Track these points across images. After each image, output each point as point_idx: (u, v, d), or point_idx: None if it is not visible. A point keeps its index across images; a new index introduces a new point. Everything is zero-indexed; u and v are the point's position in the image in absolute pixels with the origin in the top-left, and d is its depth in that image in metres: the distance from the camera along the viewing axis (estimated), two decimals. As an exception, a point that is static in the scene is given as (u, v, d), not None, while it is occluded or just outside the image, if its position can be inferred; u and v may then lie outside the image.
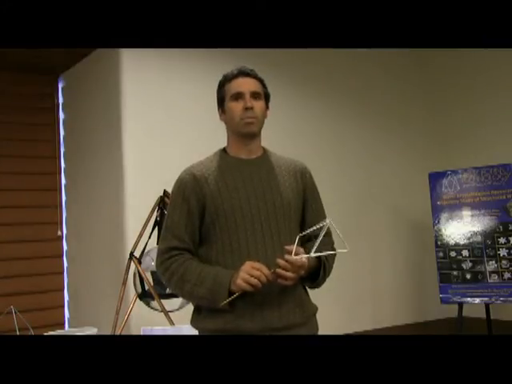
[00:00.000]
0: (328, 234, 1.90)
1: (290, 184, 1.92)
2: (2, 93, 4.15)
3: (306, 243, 1.87)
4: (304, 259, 1.74)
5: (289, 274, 1.73)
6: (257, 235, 1.81)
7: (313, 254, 1.75)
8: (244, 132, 1.87)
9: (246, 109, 1.84)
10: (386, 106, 4.72)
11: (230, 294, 1.74)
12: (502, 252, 3.83)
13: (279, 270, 1.72)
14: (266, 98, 1.94)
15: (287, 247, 1.74)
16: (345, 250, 1.75)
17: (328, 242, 1.91)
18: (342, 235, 1.75)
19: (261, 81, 1.92)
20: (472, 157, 4.45)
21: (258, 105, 1.87)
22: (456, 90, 4.75)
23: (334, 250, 1.92)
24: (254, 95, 1.87)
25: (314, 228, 1.79)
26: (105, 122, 3.86)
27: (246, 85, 1.87)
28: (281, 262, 1.72)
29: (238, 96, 1.86)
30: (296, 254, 1.72)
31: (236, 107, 1.86)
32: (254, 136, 1.90)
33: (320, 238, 1.76)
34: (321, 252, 1.77)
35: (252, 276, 1.70)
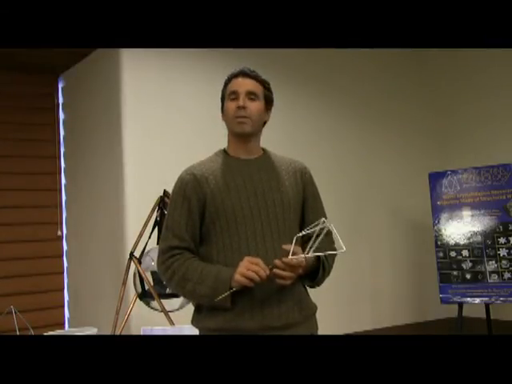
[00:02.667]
0: (328, 233, 1.90)
1: (289, 184, 1.92)
2: (2, 93, 4.15)
3: (306, 242, 1.87)
4: (300, 259, 1.74)
5: (285, 273, 1.74)
6: (257, 234, 1.82)
7: (310, 254, 1.75)
8: (236, 131, 1.89)
9: (239, 108, 1.86)
10: (386, 106, 4.72)
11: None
12: (502, 252, 3.83)
13: (276, 270, 1.73)
14: (267, 100, 1.94)
15: (284, 246, 1.75)
16: (342, 251, 1.75)
17: (328, 242, 1.92)
18: (340, 235, 1.75)
19: (262, 83, 1.93)
20: (472, 157, 4.45)
21: (253, 105, 1.88)
22: (456, 90, 4.76)
23: (334, 249, 1.92)
24: (250, 95, 1.88)
25: (311, 227, 1.78)
26: (105, 121, 3.87)
27: (242, 85, 1.88)
28: (277, 262, 1.73)
29: (234, 95, 1.88)
30: (294, 254, 1.72)
31: (230, 106, 1.88)
32: (248, 136, 1.91)
33: (315, 237, 1.76)
34: (319, 251, 1.77)
35: (250, 270, 1.71)
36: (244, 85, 1.88)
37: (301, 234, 1.80)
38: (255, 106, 1.88)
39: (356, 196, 4.46)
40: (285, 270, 1.73)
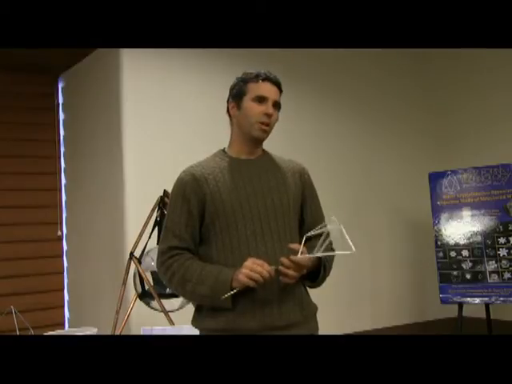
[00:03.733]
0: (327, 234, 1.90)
1: (288, 184, 1.93)
2: (2, 93, 4.15)
3: (306, 242, 1.87)
4: (309, 258, 1.75)
5: (291, 272, 1.74)
6: (257, 234, 1.82)
7: (319, 254, 1.74)
8: (255, 136, 1.89)
9: (266, 114, 1.86)
10: (387, 106, 4.72)
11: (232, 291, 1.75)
12: (502, 252, 3.83)
13: (282, 268, 1.74)
14: (279, 107, 1.96)
15: (292, 245, 1.75)
16: (348, 252, 1.74)
17: (329, 243, 1.91)
18: (347, 235, 1.74)
19: (280, 92, 1.95)
20: (472, 157, 4.45)
21: (275, 114, 1.91)
22: (456, 90, 4.76)
23: (332, 249, 1.92)
24: (275, 104, 1.90)
25: (320, 226, 1.77)
26: (105, 121, 3.87)
27: (272, 92, 1.89)
28: (285, 261, 1.74)
29: (262, 100, 1.88)
30: (301, 253, 1.73)
31: (256, 109, 1.87)
32: (262, 142, 1.94)
33: (325, 236, 1.75)
34: (322, 251, 1.76)
35: (254, 271, 1.71)
36: (273, 93, 1.90)
37: (310, 234, 1.78)
38: (276, 115, 1.92)
39: (356, 196, 4.45)
40: (290, 269, 1.74)
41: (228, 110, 1.96)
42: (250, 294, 1.77)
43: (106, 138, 3.84)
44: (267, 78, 1.90)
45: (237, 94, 1.92)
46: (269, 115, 1.87)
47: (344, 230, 1.74)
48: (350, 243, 1.71)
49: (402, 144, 4.75)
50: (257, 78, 1.90)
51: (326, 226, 1.76)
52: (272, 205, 1.86)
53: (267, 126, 1.88)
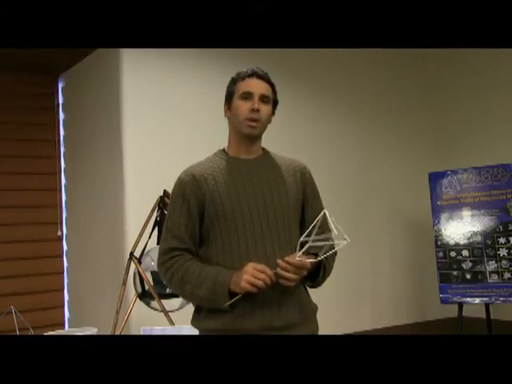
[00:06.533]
0: (326, 231, 1.89)
1: (289, 183, 1.92)
2: (2, 93, 4.15)
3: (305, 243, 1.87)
4: (304, 260, 1.74)
5: (289, 274, 1.73)
6: (256, 235, 1.82)
7: (319, 257, 1.75)
8: (245, 133, 1.88)
9: (253, 110, 1.85)
10: (386, 106, 4.72)
11: (230, 293, 1.75)
12: (502, 252, 3.83)
13: (280, 271, 1.73)
14: (274, 103, 1.95)
15: (287, 258, 1.74)
16: (344, 242, 1.74)
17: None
18: (340, 228, 1.74)
19: (272, 86, 1.93)
20: (472, 157, 4.45)
21: (265, 108, 1.88)
22: (456, 90, 4.76)
23: (333, 248, 1.91)
24: (263, 98, 1.88)
25: (313, 225, 1.77)
26: (105, 121, 3.87)
27: (257, 86, 1.87)
28: (281, 263, 1.73)
29: (247, 96, 1.87)
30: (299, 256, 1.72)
31: (243, 106, 1.86)
32: (255, 138, 1.92)
33: (316, 230, 1.75)
34: (320, 252, 1.76)
35: (256, 278, 1.71)
36: (259, 87, 1.87)
37: (304, 237, 1.77)
38: (266, 110, 1.89)
39: (356, 196, 4.46)
40: (289, 271, 1.73)
41: (225, 113, 1.96)
42: (249, 295, 1.76)
43: (106, 138, 3.84)
44: (252, 74, 1.89)
45: (228, 96, 1.93)
46: (255, 110, 1.85)
47: (334, 221, 1.73)
48: (344, 234, 1.71)
49: (401, 144, 4.75)
50: (242, 75, 1.90)
51: (318, 222, 1.76)
52: (272, 205, 1.86)
53: (256, 122, 1.86)
